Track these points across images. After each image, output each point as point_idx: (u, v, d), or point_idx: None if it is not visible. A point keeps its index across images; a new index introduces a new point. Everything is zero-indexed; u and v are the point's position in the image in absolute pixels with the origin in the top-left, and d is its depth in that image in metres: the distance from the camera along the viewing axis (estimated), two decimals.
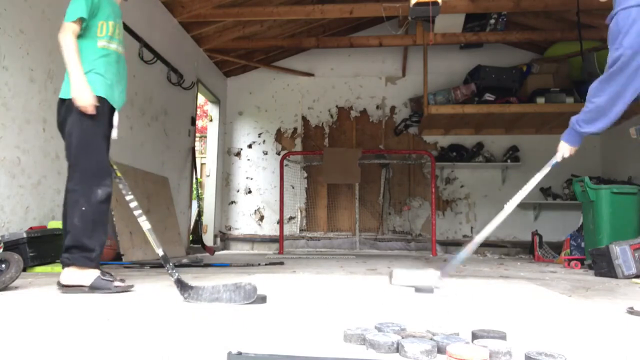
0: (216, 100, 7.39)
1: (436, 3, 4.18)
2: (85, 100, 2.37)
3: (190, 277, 2.94)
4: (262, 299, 2.02)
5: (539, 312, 1.91)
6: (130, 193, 2.57)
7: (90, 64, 2.47)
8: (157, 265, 3.91)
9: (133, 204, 2.51)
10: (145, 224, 2.46)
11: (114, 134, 2.60)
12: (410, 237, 7.20)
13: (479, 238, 2.40)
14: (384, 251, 6.88)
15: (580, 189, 4.54)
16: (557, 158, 2.44)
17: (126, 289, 2.36)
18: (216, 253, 6.48)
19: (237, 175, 7.67)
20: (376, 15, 5.87)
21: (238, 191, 7.64)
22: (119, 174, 2.67)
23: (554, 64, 6.78)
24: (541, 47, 7.10)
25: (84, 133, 2.40)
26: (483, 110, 6.34)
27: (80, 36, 2.47)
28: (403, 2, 5.40)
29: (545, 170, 2.46)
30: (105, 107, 2.48)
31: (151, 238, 2.43)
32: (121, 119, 4.62)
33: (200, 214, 6.68)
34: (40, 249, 3.18)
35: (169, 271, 2.29)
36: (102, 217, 2.43)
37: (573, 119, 2.30)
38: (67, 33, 2.43)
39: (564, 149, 2.43)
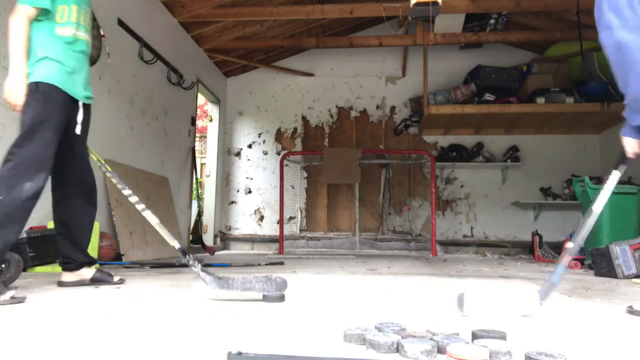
0: (216, 100, 7.39)
1: (436, 3, 4.18)
2: (15, 98, 2.19)
3: (191, 277, 2.94)
4: (281, 298, 2.05)
5: (539, 312, 1.90)
6: (127, 187, 2.50)
7: (47, 50, 2.28)
8: (157, 265, 3.91)
9: (134, 199, 2.45)
10: (152, 218, 2.42)
11: (78, 129, 2.44)
12: (410, 237, 7.20)
13: (574, 248, 1.93)
14: (384, 251, 6.88)
15: (580, 189, 4.54)
16: (628, 154, 2.01)
17: (13, 302, 1.95)
18: (216, 253, 6.48)
19: (237, 175, 7.67)
20: (376, 15, 5.86)
21: (238, 191, 7.64)
22: (108, 168, 2.58)
23: (554, 64, 6.78)
24: (541, 47, 7.10)
25: (29, 121, 2.22)
26: (483, 110, 6.34)
27: (36, 20, 2.27)
28: (403, 2, 5.40)
29: (622, 169, 2.04)
30: (58, 96, 2.30)
31: (163, 232, 2.38)
32: (121, 119, 4.68)
33: (200, 214, 6.68)
34: (40, 249, 3.17)
35: (190, 262, 2.26)
36: (20, 215, 2.15)
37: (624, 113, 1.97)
38: (20, 16, 2.21)
39: (630, 144, 2.00)
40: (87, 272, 2.60)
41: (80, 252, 2.58)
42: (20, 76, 2.21)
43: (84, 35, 2.45)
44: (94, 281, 2.59)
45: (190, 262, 2.25)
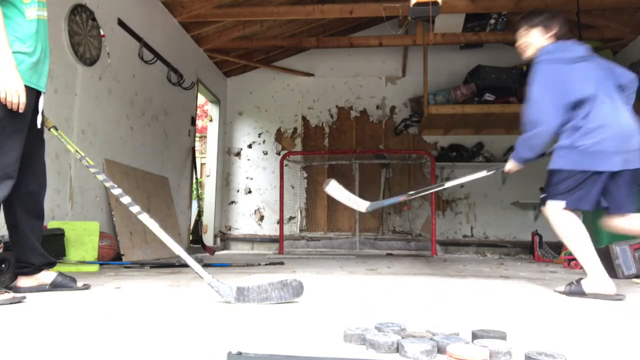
0: (216, 100, 7.40)
1: (436, 3, 4.17)
2: (15, 95, 1.92)
3: (191, 277, 2.94)
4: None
5: (539, 312, 1.91)
6: (116, 186, 2.29)
7: (13, 39, 1.98)
8: (157, 265, 3.91)
9: (126, 199, 2.25)
10: (150, 222, 2.26)
11: (39, 121, 2.17)
12: (410, 237, 7.20)
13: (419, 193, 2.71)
14: (384, 251, 6.88)
15: None
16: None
17: (13, 302, 1.94)
18: (216, 253, 6.48)
19: (237, 175, 7.67)
20: (376, 15, 5.86)
21: (238, 191, 7.64)
22: (90, 162, 2.40)
23: None
24: None
25: None
26: (483, 110, 6.33)
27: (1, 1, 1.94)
28: (403, 2, 5.40)
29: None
30: (29, 97, 2.05)
31: (165, 239, 2.21)
32: (121, 119, 4.68)
33: (200, 214, 6.68)
34: None
35: (204, 277, 2.08)
36: None
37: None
38: None
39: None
40: (47, 276, 2.33)
41: (36, 253, 2.30)
42: (11, 67, 1.92)
43: (46, 15, 2.14)
44: (55, 286, 2.33)
45: (203, 275, 2.08)
